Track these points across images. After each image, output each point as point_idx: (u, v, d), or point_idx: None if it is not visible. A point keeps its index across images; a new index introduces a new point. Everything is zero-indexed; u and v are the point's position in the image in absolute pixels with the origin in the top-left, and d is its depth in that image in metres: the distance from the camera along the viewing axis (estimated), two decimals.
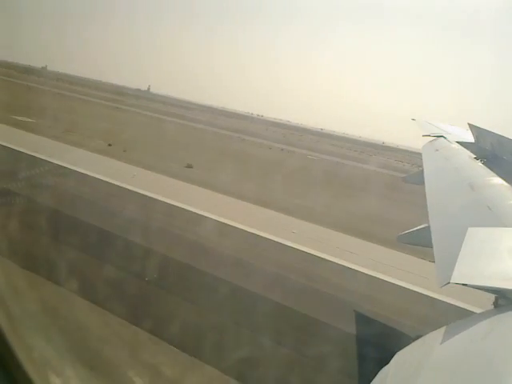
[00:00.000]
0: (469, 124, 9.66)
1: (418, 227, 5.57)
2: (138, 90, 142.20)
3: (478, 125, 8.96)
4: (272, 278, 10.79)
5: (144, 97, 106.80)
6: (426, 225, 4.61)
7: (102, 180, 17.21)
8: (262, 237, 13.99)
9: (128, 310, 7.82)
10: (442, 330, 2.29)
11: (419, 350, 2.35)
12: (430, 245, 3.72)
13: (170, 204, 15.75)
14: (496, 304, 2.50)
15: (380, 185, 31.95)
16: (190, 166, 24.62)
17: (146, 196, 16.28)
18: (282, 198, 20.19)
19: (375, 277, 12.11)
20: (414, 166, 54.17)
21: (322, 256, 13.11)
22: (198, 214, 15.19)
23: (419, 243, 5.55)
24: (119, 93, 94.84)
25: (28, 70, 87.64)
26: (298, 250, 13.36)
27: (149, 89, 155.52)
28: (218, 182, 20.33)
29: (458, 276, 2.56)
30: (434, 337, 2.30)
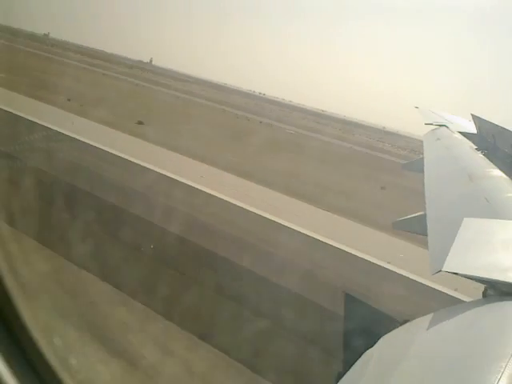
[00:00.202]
0: (472, 115, 9.60)
1: (414, 214, 5.59)
2: (140, 61, 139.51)
3: (480, 116, 8.90)
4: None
5: (141, 67, 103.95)
6: (423, 212, 4.62)
7: (37, 123, 18.12)
8: (171, 178, 15.38)
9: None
10: (429, 316, 2.32)
11: (405, 335, 2.38)
12: (425, 232, 3.74)
13: (93, 146, 17.09)
14: (485, 294, 2.53)
15: (312, 149, 32.72)
16: (140, 123, 25.01)
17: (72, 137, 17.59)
18: (212, 152, 21.36)
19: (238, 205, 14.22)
20: (393, 147, 57.05)
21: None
22: (120, 157, 16.51)
23: (414, 230, 5.58)
24: (115, 62, 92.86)
25: (29, 36, 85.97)
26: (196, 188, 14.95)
27: (151, 61, 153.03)
28: (160, 137, 21.41)
29: (450, 264, 2.58)
30: (420, 322, 2.33)
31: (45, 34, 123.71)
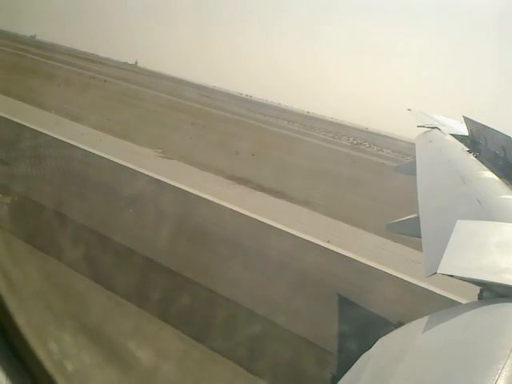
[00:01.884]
0: (463, 117, 9.67)
1: (407, 217, 5.61)
2: (126, 63, 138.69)
3: (472, 118, 8.97)
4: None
5: (119, 67, 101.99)
6: (416, 215, 4.64)
7: None
8: None
9: None
10: (426, 318, 2.33)
11: (402, 337, 2.39)
12: (418, 235, 3.75)
13: None
14: (480, 296, 2.54)
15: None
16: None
17: None
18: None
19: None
20: (343, 137, 60.94)
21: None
22: None
23: (408, 233, 5.60)
24: (94, 61, 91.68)
25: (14, 38, 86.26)
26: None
27: (136, 63, 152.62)
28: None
29: (444, 267, 2.59)
30: (417, 325, 2.33)
31: (31, 36, 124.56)
